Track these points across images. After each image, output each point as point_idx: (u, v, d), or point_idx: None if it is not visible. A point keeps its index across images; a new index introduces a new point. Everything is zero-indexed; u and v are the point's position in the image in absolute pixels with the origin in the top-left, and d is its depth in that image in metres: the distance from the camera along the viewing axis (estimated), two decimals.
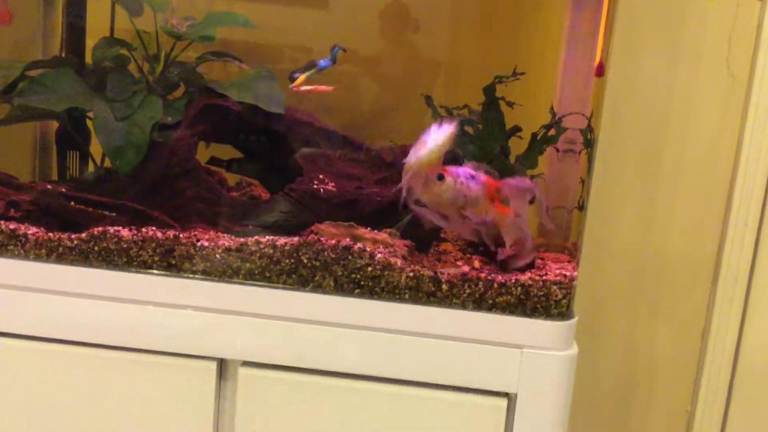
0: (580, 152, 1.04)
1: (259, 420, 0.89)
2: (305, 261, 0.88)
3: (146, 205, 0.94)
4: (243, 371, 0.88)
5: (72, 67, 1.00)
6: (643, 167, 1.23)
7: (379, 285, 0.88)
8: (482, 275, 0.88)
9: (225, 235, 0.92)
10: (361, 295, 0.88)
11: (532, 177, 1.03)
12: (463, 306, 0.88)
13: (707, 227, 1.24)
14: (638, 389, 1.30)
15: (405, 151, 0.88)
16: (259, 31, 1.08)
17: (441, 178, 0.87)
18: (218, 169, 1.05)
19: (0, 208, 0.93)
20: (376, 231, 0.91)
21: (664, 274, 1.26)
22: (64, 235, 0.90)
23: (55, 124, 1.12)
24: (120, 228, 0.90)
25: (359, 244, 0.88)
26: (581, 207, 1.04)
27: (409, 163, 0.85)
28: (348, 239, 0.89)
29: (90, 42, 1.08)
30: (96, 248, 0.89)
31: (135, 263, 0.90)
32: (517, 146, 1.03)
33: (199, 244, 0.89)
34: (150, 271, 0.89)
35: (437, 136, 0.85)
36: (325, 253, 0.88)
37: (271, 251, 0.89)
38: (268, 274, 0.89)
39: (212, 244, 0.89)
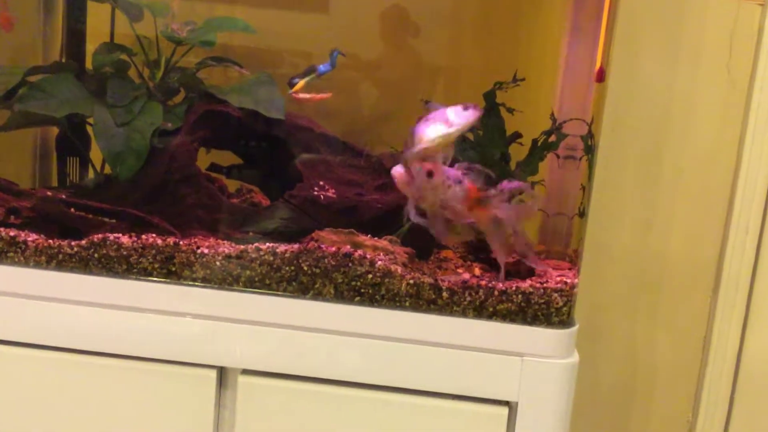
0: (580, 158, 1.04)
1: (258, 428, 0.89)
2: (305, 268, 0.88)
3: (146, 211, 0.93)
4: (243, 379, 0.88)
5: (72, 73, 1.00)
6: (643, 173, 1.23)
7: (380, 292, 0.88)
8: (483, 283, 0.88)
9: (225, 242, 0.92)
10: (361, 303, 0.88)
11: (533, 183, 1.03)
12: (464, 314, 0.88)
13: (708, 233, 1.24)
14: (639, 397, 1.30)
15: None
16: (260, 36, 1.08)
17: (430, 175, 0.86)
18: (218, 175, 1.05)
19: (0, 214, 0.93)
20: (376, 238, 0.91)
21: (665, 280, 1.26)
22: (64, 242, 0.90)
23: (55, 130, 1.12)
24: (120, 235, 0.90)
25: (360, 252, 0.88)
26: (582, 213, 1.04)
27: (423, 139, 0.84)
28: (348, 246, 0.89)
29: (90, 47, 1.08)
30: (96, 255, 0.89)
31: (135, 270, 0.89)
32: (518, 152, 1.02)
33: (199, 251, 0.89)
34: (150, 278, 0.89)
35: (456, 120, 0.84)
36: (326, 260, 0.88)
37: (272, 258, 0.89)
38: (268, 282, 0.89)
39: (212, 251, 0.89)
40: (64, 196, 0.96)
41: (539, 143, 1.02)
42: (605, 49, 1.02)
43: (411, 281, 0.88)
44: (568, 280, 0.90)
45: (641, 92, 1.21)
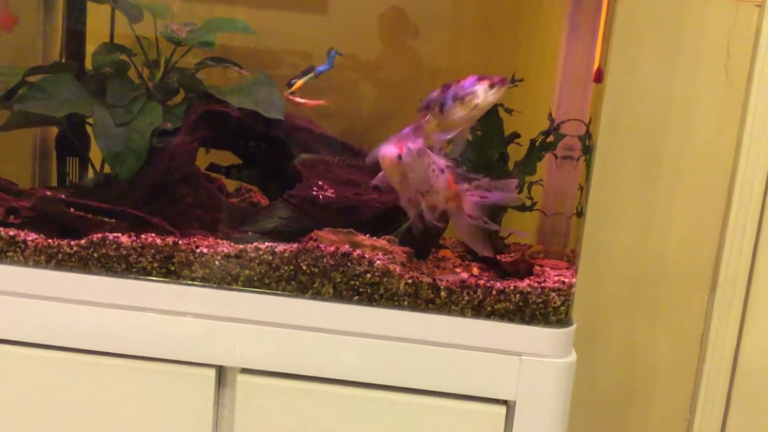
0: (578, 158, 1.04)
1: (257, 427, 0.89)
2: (304, 268, 0.89)
3: (146, 211, 0.94)
4: (242, 378, 0.89)
5: (72, 73, 1.00)
6: (641, 173, 1.24)
7: (378, 292, 0.88)
8: (481, 282, 0.88)
9: (224, 241, 0.92)
10: (360, 302, 0.88)
11: (531, 183, 1.03)
12: (462, 313, 0.88)
13: (706, 233, 1.25)
14: (637, 396, 1.30)
15: None
16: (259, 37, 1.09)
17: (420, 154, 0.84)
18: (217, 175, 1.06)
19: (0, 214, 0.93)
20: (375, 238, 0.92)
21: (663, 280, 1.27)
22: (64, 242, 0.90)
23: (54, 130, 1.12)
24: (119, 234, 0.90)
25: (358, 251, 0.89)
26: (580, 213, 1.04)
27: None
28: (347, 246, 0.90)
29: (90, 48, 1.09)
30: (95, 255, 0.90)
31: (134, 270, 0.90)
32: (516, 153, 1.03)
33: (198, 250, 0.89)
34: (149, 277, 0.90)
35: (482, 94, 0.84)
36: (324, 259, 0.88)
37: (270, 258, 0.89)
38: (267, 281, 0.89)
39: (211, 250, 0.89)
40: (63, 196, 0.96)
41: (537, 143, 1.02)
42: (603, 50, 1.03)
43: (409, 281, 0.88)
44: (566, 280, 0.90)
45: (639, 93, 1.21)
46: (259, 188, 1.08)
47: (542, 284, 0.88)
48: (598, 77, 1.03)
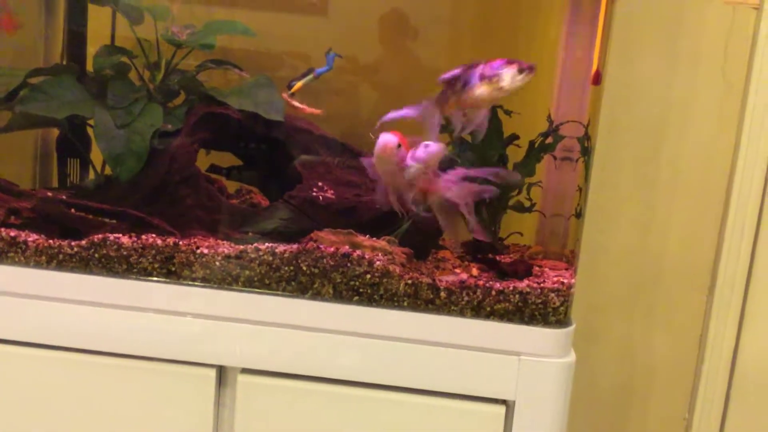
0: (577, 160, 1.04)
1: (258, 427, 0.90)
2: (304, 268, 0.89)
3: (146, 212, 0.94)
4: (242, 378, 0.89)
5: (73, 75, 1.00)
6: (640, 175, 1.24)
7: (378, 292, 0.89)
8: (480, 283, 0.89)
9: (225, 242, 0.92)
10: (359, 303, 0.89)
11: (530, 185, 1.03)
12: (462, 313, 0.88)
13: (704, 234, 1.25)
14: (635, 396, 1.31)
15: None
16: (259, 39, 1.09)
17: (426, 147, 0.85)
18: (218, 176, 1.06)
19: (0, 215, 0.93)
20: (375, 238, 0.92)
21: (661, 281, 1.27)
22: (65, 243, 0.90)
23: (55, 132, 1.12)
24: (120, 235, 0.90)
25: (358, 252, 0.89)
26: (578, 214, 1.04)
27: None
28: (347, 246, 0.90)
29: (91, 50, 1.09)
30: (96, 255, 0.90)
31: (135, 270, 0.90)
32: (515, 154, 1.03)
33: (198, 251, 0.90)
34: (150, 278, 0.90)
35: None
36: (324, 260, 0.89)
37: (271, 258, 0.89)
38: (267, 281, 0.89)
39: (212, 251, 0.90)
40: (64, 197, 0.96)
41: (536, 145, 1.03)
42: (602, 52, 1.03)
43: (409, 281, 0.88)
44: (565, 280, 0.90)
45: (638, 95, 1.22)
46: (260, 189, 1.08)
47: (541, 285, 0.89)
48: (597, 79, 1.04)
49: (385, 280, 0.88)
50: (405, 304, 0.89)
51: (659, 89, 1.21)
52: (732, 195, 1.21)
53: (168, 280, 0.90)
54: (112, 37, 1.08)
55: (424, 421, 0.88)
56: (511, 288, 0.88)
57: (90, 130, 1.03)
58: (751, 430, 1.27)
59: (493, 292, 0.88)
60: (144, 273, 0.90)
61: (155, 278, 0.90)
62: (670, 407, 1.30)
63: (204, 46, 1.02)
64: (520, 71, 0.84)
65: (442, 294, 0.88)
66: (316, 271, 0.89)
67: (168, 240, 0.90)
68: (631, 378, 1.30)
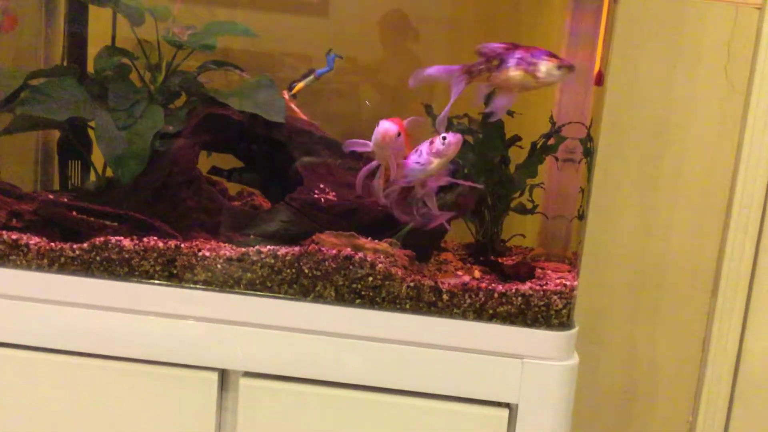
0: (579, 161, 1.04)
1: (260, 431, 0.89)
2: (306, 271, 0.89)
3: (148, 214, 0.94)
4: (244, 382, 0.89)
5: (74, 77, 1.00)
6: (642, 176, 1.24)
7: (380, 295, 0.88)
8: (483, 285, 0.88)
9: (226, 244, 0.92)
10: (361, 305, 0.88)
11: (533, 186, 1.03)
12: (464, 316, 0.88)
13: (707, 235, 1.25)
14: (639, 398, 1.30)
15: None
16: (260, 40, 1.09)
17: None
18: (219, 178, 1.06)
19: (2, 218, 0.93)
20: (376, 241, 0.92)
21: (665, 282, 1.27)
22: (66, 245, 0.90)
23: (57, 134, 1.12)
24: (121, 238, 0.90)
25: (360, 254, 0.89)
26: (581, 216, 1.04)
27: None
28: (349, 249, 0.90)
29: (92, 51, 1.09)
30: (98, 258, 0.90)
31: (136, 273, 0.90)
32: (518, 156, 1.03)
33: (200, 254, 0.90)
34: (151, 281, 0.90)
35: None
36: (326, 262, 0.88)
37: (272, 261, 0.89)
38: (269, 284, 0.89)
39: (214, 254, 0.89)
40: (65, 200, 0.96)
41: (538, 146, 1.02)
42: (604, 53, 1.03)
43: (411, 284, 0.88)
44: (568, 283, 0.90)
45: (640, 95, 1.21)
46: (261, 191, 1.08)
47: (544, 287, 0.89)
48: (599, 80, 1.04)
49: (387, 282, 0.88)
50: (407, 306, 0.88)
51: (662, 90, 1.21)
52: (735, 196, 1.21)
53: (170, 283, 0.90)
54: (113, 38, 1.08)
55: (427, 425, 0.88)
56: (513, 290, 0.88)
57: (91, 132, 1.03)
58: (755, 431, 1.27)
59: (496, 295, 0.88)
60: (146, 276, 0.90)
61: (157, 281, 0.90)
62: (674, 409, 1.30)
63: (205, 47, 1.02)
64: (559, 67, 0.83)
65: (445, 296, 0.88)
66: (318, 273, 0.89)
67: (170, 243, 0.90)
68: (635, 380, 1.30)
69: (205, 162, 1.03)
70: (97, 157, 1.01)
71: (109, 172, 1.00)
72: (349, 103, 1.17)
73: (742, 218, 1.21)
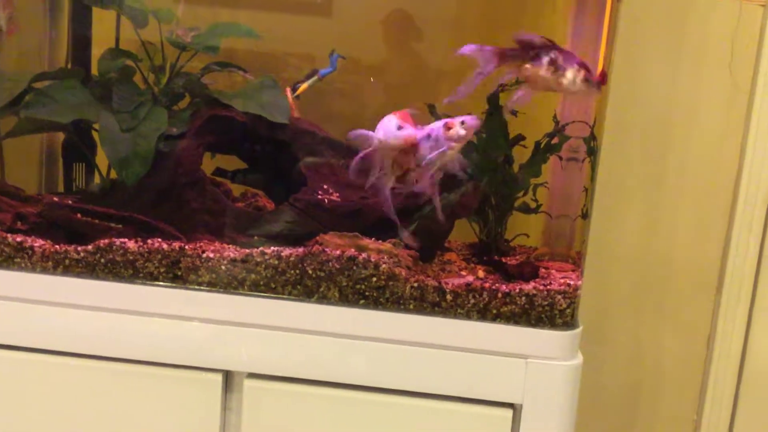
0: (583, 160, 1.04)
1: (264, 431, 0.90)
2: (310, 272, 0.89)
3: (152, 216, 0.94)
4: (248, 383, 0.89)
5: (78, 79, 1.00)
6: (646, 175, 1.23)
7: (384, 295, 0.88)
8: (486, 285, 0.88)
9: (230, 246, 0.92)
10: (366, 306, 0.89)
11: (536, 185, 1.03)
12: (468, 316, 0.88)
13: (711, 234, 1.24)
14: (644, 398, 1.30)
15: None
16: (264, 41, 1.09)
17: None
18: (223, 179, 1.06)
19: (7, 220, 0.93)
20: (380, 241, 0.92)
21: (669, 281, 1.26)
22: (71, 248, 0.90)
23: (61, 136, 1.12)
24: (126, 240, 0.90)
25: (364, 255, 0.89)
26: (585, 215, 1.04)
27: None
28: (353, 249, 0.90)
29: (96, 53, 1.09)
30: (102, 260, 0.90)
31: (141, 275, 0.90)
32: (521, 155, 1.03)
33: (204, 255, 0.90)
34: (156, 282, 0.90)
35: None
36: (330, 263, 0.89)
37: (276, 262, 0.89)
38: (273, 285, 0.89)
39: (218, 255, 0.90)
40: (70, 202, 0.96)
41: (542, 145, 1.02)
42: (607, 52, 1.02)
43: (415, 284, 0.88)
44: (572, 282, 0.90)
45: (643, 94, 1.21)
46: (265, 192, 1.08)
47: (548, 287, 0.89)
48: (603, 79, 1.03)
49: (390, 283, 0.88)
50: (411, 307, 0.88)
51: (665, 88, 1.21)
52: (739, 194, 1.21)
53: (174, 285, 0.90)
54: (117, 40, 1.08)
55: (431, 425, 0.88)
56: (517, 290, 0.88)
57: (95, 134, 1.03)
58: (760, 430, 1.27)
59: (500, 295, 0.88)
60: (150, 278, 0.90)
61: (161, 283, 0.90)
62: (679, 408, 1.30)
63: (208, 48, 1.02)
64: (585, 80, 0.83)
65: (448, 297, 0.88)
66: (322, 274, 0.89)
67: (174, 244, 0.90)
68: (640, 380, 1.30)
69: (209, 163, 1.03)
70: (102, 159, 1.01)
71: (113, 174, 1.00)
72: (352, 104, 1.17)
73: (747, 216, 1.21)
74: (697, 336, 1.28)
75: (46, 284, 0.90)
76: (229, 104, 0.99)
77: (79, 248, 0.90)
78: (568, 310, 0.88)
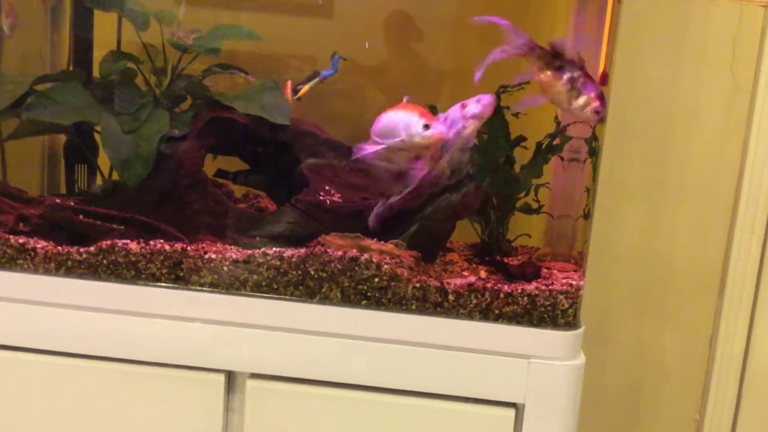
0: (584, 161, 1.04)
1: None
2: (312, 272, 0.89)
3: (154, 217, 0.94)
4: (251, 383, 0.89)
5: (79, 81, 1.00)
6: (648, 175, 1.23)
7: (386, 296, 0.88)
8: (488, 285, 0.88)
9: (232, 247, 0.92)
10: (368, 306, 0.89)
11: (538, 186, 1.03)
12: (470, 316, 0.88)
13: (713, 234, 1.24)
14: (646, 398, 1.30)
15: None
16: (265, 42, 1.09)
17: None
18: (225, 181, 1.06)
19: (9, 222, 0.94)
20: (382, 242, 0.92)
21: (671, 281, 1.26)
22: (73, 249, 0.90)
23: (63, 138, 1.13)
24: (128, 241, 0.90)
25: (366, 255, 0.89)
26: (587, 216, 1.04)
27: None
28: (354, 250, 0.90)
29: (97, 55, 1.09)
30: (104, 261, 0.90)
31: (143, 276, 0.90)
32: (523, 156, 1.03)
33: (206, 256, 0.90)
34: (158, 283, 0.90)
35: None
36: (332, 264, 0.89)
37: (278, 263, 0.89)
38: (275, 286, 0.89)
39: (220, 256, 0.90)
40: (72, 203, 0.96)
41: (544, 146, 1.02)
42: (608, 52, 1.03)
43: (417, 284, 0.88)
44: (574, 282, 0.90)
45: (645, 95, 1.21)
46: (267, 193, 1.08)
47: (550, 287, 0.89)
48: (604, 80, 1.03)
49: (393, 283, 0.88)
50: (413, 307, 0.89)
51: (667, 89, 1.21)
52: (741, 194, 1.21)
53: (176, 286, 0.90)
54: (118, 42, 1.09)
55: (433, 425, 0.88)
56: (519, 290, 0.88)
57: (97, 136, 1.03)
58: (763, 430, 1.26)
59: (502, 295, 0.88)
60: (152, 279, 0.90)
61: (163, 284, 0.90)
62: (681, 409, 1.30)
63: (209, 50, 1.02)
64: (594, 112, 0.83)
65: (451, 297, 0.88)
66: (324, 275, 0.89)
67: (176, 245, 0.91)
68: (642, 380, 1.29)
69: (210, 165, 1.03)
70: (104, 161, 1.01)
71: (115, 176, 1.00)
72: (354, 105, 1.17)
73: (749, 217, 1.21)
74: (698, 336, 1.27)
75: (49, 285, 0.90)
76: (231, 106, 1.00)
77: (82, 249, 0.90)
78: (570, 310, 0.88)
